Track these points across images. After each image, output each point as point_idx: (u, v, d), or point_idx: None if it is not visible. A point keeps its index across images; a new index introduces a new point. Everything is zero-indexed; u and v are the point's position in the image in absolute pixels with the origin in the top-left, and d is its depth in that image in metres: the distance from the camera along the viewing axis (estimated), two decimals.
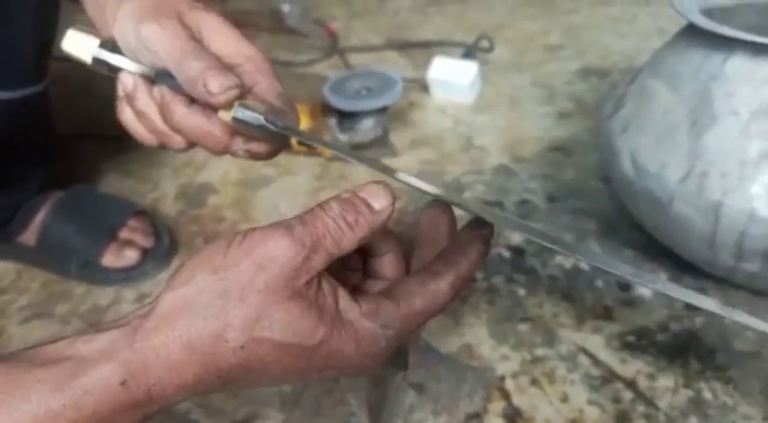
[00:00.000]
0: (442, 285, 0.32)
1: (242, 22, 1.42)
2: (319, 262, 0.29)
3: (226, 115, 0.38)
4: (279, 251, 0.28)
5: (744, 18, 0.64)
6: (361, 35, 1.32)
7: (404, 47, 1.25)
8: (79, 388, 0.26)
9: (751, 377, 0.54)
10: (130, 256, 0.69)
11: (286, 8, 1.33)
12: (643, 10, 1.33)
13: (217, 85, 0.36)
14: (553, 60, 1.15)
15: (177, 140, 0.42)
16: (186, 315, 0.28)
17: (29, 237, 0.71)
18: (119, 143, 0.94)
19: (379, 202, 0.31)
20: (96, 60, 0.44)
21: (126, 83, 0.42)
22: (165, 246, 0.72)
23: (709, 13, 0.59)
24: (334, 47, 1.24)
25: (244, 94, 0.37)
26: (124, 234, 0.71)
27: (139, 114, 0.42)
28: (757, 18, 0.65)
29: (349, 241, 0.30)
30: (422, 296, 0.31)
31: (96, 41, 0.43)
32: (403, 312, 0.31)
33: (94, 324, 0.64)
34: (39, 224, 0.70)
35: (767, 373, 0.54)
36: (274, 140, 0.40)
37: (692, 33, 0.57)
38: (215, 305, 0.28)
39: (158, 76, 0.41)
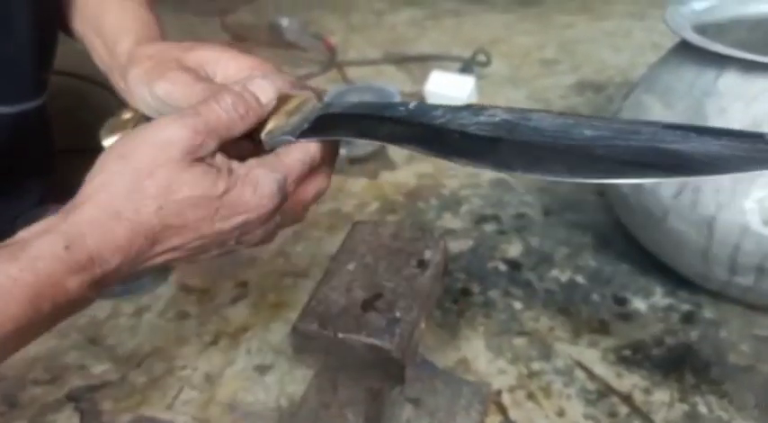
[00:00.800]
0: (311, 145, 0.36)
1: (241, 36, 1.44)
2: (213, 145, 0.34)
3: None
4: (176, 136, 0.33)
5: (735, 34, 0.65)
6: (359, 49, 1.34)
7: (401, 61, 1.26)
8: (30, 256, 0.30)
9: (746, 391, 0.54)
10: None
11: (285, 22, 1.34)
12: (638, 25, 1.34)
13: (265, 97, 0.39)
14: (549, 74, 1.17)
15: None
16: (106, 192, 0.32)
17: None
18: None
19: (266, 95, 0.36)
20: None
21: None
22: None
23: (701, 29, 0.60)
24: (332, 61, 1.25)
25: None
26: None
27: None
28: (748, 34, 0.66)
29: (239, 129, 0.35)
30: (297, 149, 0.36)
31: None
32: (282, 160, 0.36)
33: (93, 338, 0.65)
34: None
35: (762, 387, 0.55)
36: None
37: (685, 50, 0.58)
38: (129, 181, 0.32)
39: None
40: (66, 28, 0.59)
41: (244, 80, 0.37)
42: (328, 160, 0.38)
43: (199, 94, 0.39)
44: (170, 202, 0.32)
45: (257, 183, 0.34)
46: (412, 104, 0.35)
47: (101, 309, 0.68)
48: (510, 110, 0.32)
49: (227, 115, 0.34)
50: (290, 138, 0.37)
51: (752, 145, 0.26)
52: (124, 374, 0.60)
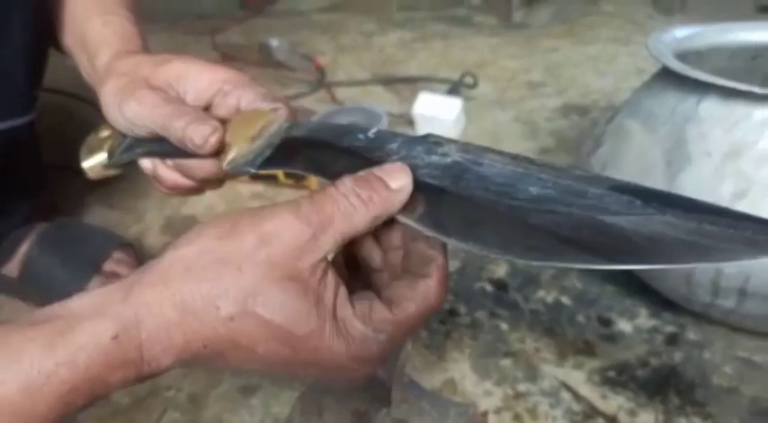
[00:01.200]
0: (431, 285, 0.31)
1: (230, 56, 1.44)
2: (327, 242, 0.28)
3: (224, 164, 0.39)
4: (284, 228, 0.28)
5: (716, 61, 0.67)
6: (347, 70, 1.35)
7: (390, 82, 1.27)
8: (71, 345, 0.26)
9: (729, 413, 0.55)
10: None
11: (274, 43, 1.35)
12: (622, 50, 1.37)
13: (199, 137, 0.37)
14: (535, 97, 1.18)
15: (213, 184, 0.45)
16: (183, 275, 0.27)
17: (12, 268, 0.70)
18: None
19: (397, 181, 0.29)
20: (109, 167, 0.48)
21: (147, 168, 0.45)
22: None
23: (683, 55, 0.62)
24: (321, 81, 1.26)
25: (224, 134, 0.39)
26: (109, 266, 0.71)
27: (174, 188, 0.45)
28: (728, 62, 0.67)
29: (361, 219, 0.29)
30: (415, 300, 0.30)
31: (104, 155, 0.47)
32: (395, 317, 0.30)
33: None
34: (22, 256, 0.70)
35: (745, 409, 0.55)
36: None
37: (667, 76, 0.59)
38: (212, 269, 0.27)
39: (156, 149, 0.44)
40: (57, 44, 0.59)
41: (373, 167, 0.31)
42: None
43: (164, 117, 0.39)
44: (245, 316, 0.27)
45: (354, 340, 0.29)
46: (372, 132, 0.34)
47: None
48: (465, 148, 0.31)
49: (347, 202, 0.29)
50: (249, 170, 0.37)
51: (697, 225, 0.25)
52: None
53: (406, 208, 0.30)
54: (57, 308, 0.28)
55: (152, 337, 0.27)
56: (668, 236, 0.24)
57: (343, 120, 0.90)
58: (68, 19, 0.56)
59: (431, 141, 0.32)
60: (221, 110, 0.41)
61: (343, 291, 0.30)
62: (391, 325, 0.30)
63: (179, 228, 0.84)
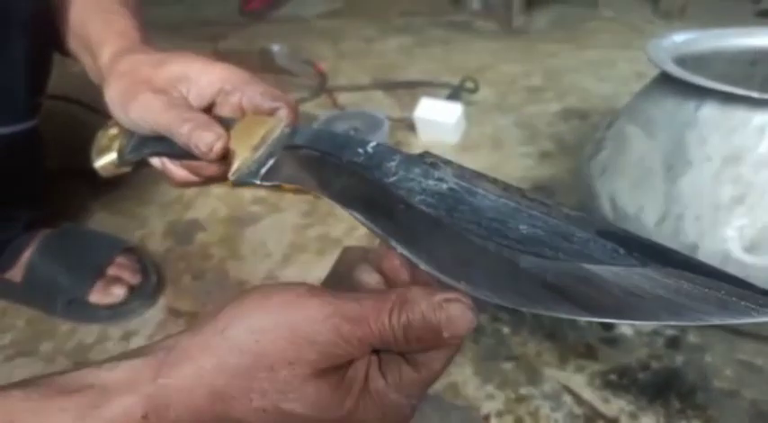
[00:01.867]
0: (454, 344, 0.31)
1: (231, 62, 1.45)
2: (358, 355, 0.28)
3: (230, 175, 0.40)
4: (321, 337, 0.27)
5: (715, 67, 0.67)
6: (348, 75, 1.36)
7: (390, 87, 1.28)
8: (101, 419, 0.26)
9: (730, 416, 0.55)
10: (117, 293, 0.69)
11: (276, 48, 1.36)
12: (621, 55, 1.38)
13: (203, 144, 0.38)
14: (535, 102, 1.19)
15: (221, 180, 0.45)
16: (214, 363, 0.27)
17: (15, 274, 0.71)
18: (106, 180, 0.95)
19: (452, 331, 0.28)
20: (120, 166, 0.48)
21: (156, 164, 0.45)
22: (153, 283, 0.72)
23: (682, 61, 0.62)
24: (322, 86, 1.27)
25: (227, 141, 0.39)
26: (112, 271, 0.71)
27: (183, 184, 0.45)
28: (727, 67, 0.68)
29: (397, 348, 0.29)
30: (440, 360, 0.30)
31: (114, 155, 0.47)
32: (424, 379, 0.30)
33: (80, 363, 0.64)
34: (26, 261, 0.70)
35: (746, 412, 0.55)
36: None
37: (666, 81, 0.60)
38: (245, 366, 0.27)
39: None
40: (63, 49, 0.59)
41: (440, 298, 0.28)
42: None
43: (169, 123, 0.39)
44: (277, 411, 0.27)
45: (389, 409, 0.29)
46: (371, 146, 0.34)
47: (88, 333, 0.68)
48: (460, 174, 0.32)
49: (394, 335, 0.28)
50: (254, 181, 0.37)
51: (675, 282, 0.25)
52: None
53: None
54: (88, 376, 0.27)
55: (181, 419, 0.27)
56: (647, 291, 0.25)
57: (345, 125, 0.91)
58: (71, 22, 0.56)
59: (428, 163, 0.33)
60: (224, 109, 0.42)
61: (374, 361, 0.30)
62: (420, 387, 0.30)
63: (181, 233, 0.84)
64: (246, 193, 0.92)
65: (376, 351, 0.30)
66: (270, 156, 0.38)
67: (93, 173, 1.01)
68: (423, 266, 0.30)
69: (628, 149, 0.60)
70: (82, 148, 0.88)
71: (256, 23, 1.74)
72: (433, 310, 0.28)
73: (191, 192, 0.93)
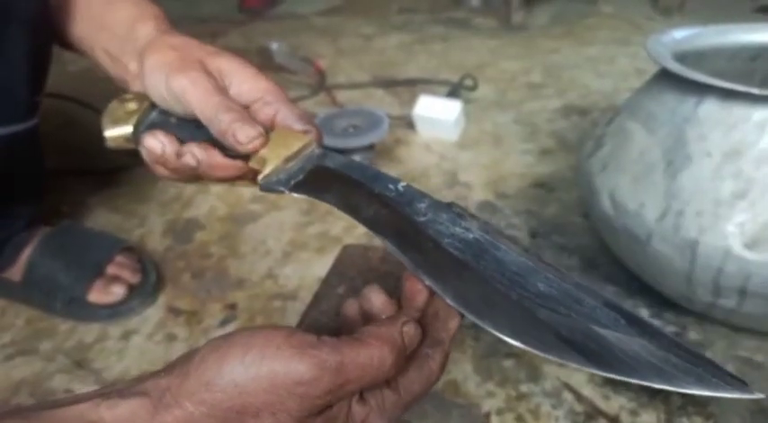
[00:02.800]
0: (434, 367, 0.33)
1: None
2: (341, 398, 0.30)
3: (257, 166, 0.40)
4: (302, 389, 0.28)
5: (715, 63, 0.67)
6: (347, 73, 1.35)
7: (390, 84, 1.28)
8: None
9: (731, 413, 0.55)
10: (117, 292, 0.69)
11: (274, 46, 1.36)
12: (621, 51, 1.37)
13: (244, 137, 0.39)
14: (535, 98, 1.19)
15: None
16: (204, 414, 0.28)
17: (15, 272, 0.70)
18: (105, 178, 0.95)
19: (412, 345, 0.32)
20: (131, 141, 0.47)
21: (153, 146, 0.44)
22: (152, 282, 0.72)
23: (682, 57, 0.62)
24: (321, 84, 1.27)
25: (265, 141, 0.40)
26: (111, 270, 0.71)
27: (174, 170, 0.45)
28: (727, 63, 0.68)
29: (381, 383, 0.31)
30: (420, 382, 0.33)
31: (129, 128, 0.46)
32: (405, 401, 0.32)
33: (79, 362, 0.64)
34: (25, 260, 0.70)
35: (747, 409, 0.55)
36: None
37: (666, 78, 0.60)
38: (232, 413, 0.29)
39: (187, 130, 0.44)
40: (64, 40, 0.59)
41: (402, 324, 0.32)
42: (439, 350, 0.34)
43: (214, 106, 0.40)
44: None
45: None
46: (401, 185, 0.36)
47: (88, 332, 0.68)
48: (484, 228, 0.35)
49: (375, 374, 0.30)
50: (282, 189, 0.38)
51: (665, 354, 0.30)
52: None
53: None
54: (88, 411, 0.29)
55: None
56: (643, 357, 0.30)
57: (344, 123, 0.91)
58: (81, 5, 0.56)
59: (455, 212, 0.36)
60: (258, 117, 0.42)
61: (355, 395, 0.31)
62: (402, 409, 0.33)
63: (180, 231, 0.84)
64: (246, 192, 0.92)
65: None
66: (300, 171, 0.39)
67: (91, 171, 1.01)
68: (450, 301, 0.32)
69: (628, 146, 0.60)
70: (79, 146, 0.88)
71: (255, 21, 1.74)
72: (400, 336, 0.31)
73: (189, 190, 0.93)
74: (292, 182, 0.38)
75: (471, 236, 0.34)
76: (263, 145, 0.40)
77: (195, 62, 0.43)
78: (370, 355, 0.30)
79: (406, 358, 0.33)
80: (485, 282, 0.32)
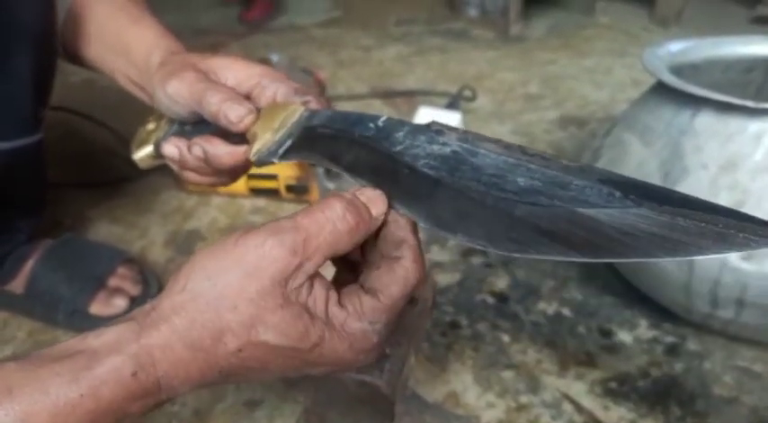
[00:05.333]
0: (407, 264, 0.33)
1: None
2: (312, 267, 0.30)
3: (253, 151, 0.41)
4: (269, 260, 0.29)
5: (710, 75, 0.68)
6: (347, 84, 1.36)
7: (389, 96, 1.29)
8: (94, 378, 0.28)
9: None
10: (119, 304, 0.69)
11: (275, 58, 1.36)
12: (618, 62, 1.38)
13: (234, 116, 0.41)
14: (533, 109, 1.19)
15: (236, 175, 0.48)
16: (184, 318, 0.29)
17: (17, 285, 0.71)
18: (106, 190, 0.96)
19: (377, 208, 0.32)
20: (156, 158, 0.51)
21: (170, 151, 0.48)
22: (154, 293, 0.72)
23: (678, 69, 0.63)
24: (322, 95, 1.28)
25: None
26: (113, 282, 0.71)
27: (196, 169, 0.47)
28: (722, 75, 0.68)
29: (345, 246, 0.31)
30: (396, 283, 0.32)
31: (151, 147, 0.51)
32: (384, 304, 0.32)
33: None
34: (27, 272, 0.70)
35: (745, 419, 0.56)
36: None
37: (662, 90, 0.60)
38: (210, 310, 0.29)
39: (190, 129, 0.47)
40: (75, 58, 0.61)
41: (354, 191, 0.33)
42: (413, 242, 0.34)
43: (200, 91, 0.42)
44: (252, 346, 0.29)
45: (355, 338, 0.31)
46: (381, 120, 0.36)
47: None
48: (463, 137, 0.34)
49: (333, 227, 0.31)
50: (272, 159, 0.39)
51: (670, 219, 0.25)
52: None
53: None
54: (76, 343, 0.29)
55: (169, 373, 0.29)
56: (641, 230, 0.26)
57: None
58: (94, 31, 0.58)
59: (433, 130, 0.35)
60: (260, 101, 0.44)
61: (333, 296, 0.32)
62: (383, 312, 0.32)
63: (182, 243, 0.85)
64: (246, 203, 0.92)
65: (336, 287, 0.32)
66: (288, 137, 0.40)
67: (92, 182, 1.02)
68: (422, 223, 0.32)
69: (625, 157, 0.60)
70: (80, 158, 0.88)
71: (255, 33, 1.75)
72: (355, 195, 0.32)
73: (191, 201, 0.93)
74: (281, 150, 0.39)
75: (449, 150, 0.33)
76: (255, 119, 0.41)
77: (186, 66, 0.45)
78: (321, 210, 0.31)
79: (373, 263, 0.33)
80: (458, 194, 0.31)
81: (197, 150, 0.45)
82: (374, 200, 0.32)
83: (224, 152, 0.44)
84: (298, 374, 0.32)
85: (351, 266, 0.37)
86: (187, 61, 0.47)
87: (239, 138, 0.43)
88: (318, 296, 0.31)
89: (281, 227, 0.30)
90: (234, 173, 0.48)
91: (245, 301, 0.29)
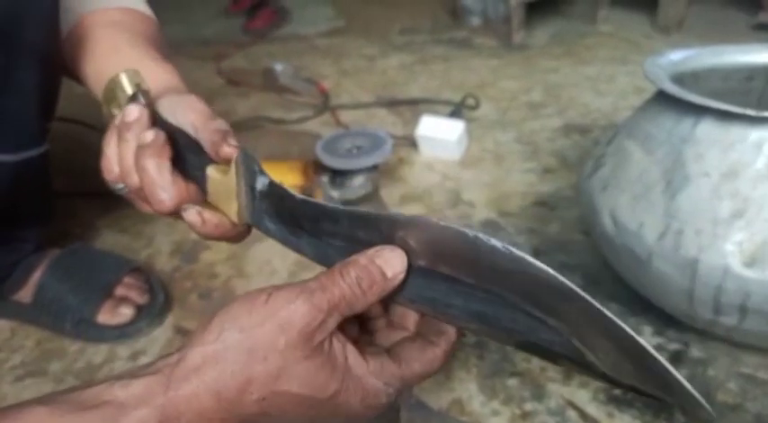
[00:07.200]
0: (438, 353, 0.35)
1: (235, 81, 1.46)
2: (333, 323, 0.33)
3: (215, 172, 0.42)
4: (298, 315, 0.31)
5: (711, 83, 0.69)
6: (351, 93, 1.37)
7: (392, 104, 1.30)
8: None
9: None
10: (125, 313, 0.70)
11: (278, 67, 1.38)
12: (620, 69, 1.39)
13: (235, 141, 0.42)
14: (536, 118, 1.20)
15: (134, 180, 0.46)
16: (215, 368, 0.31)
17: (25, 294, 0.71)
18: (112, 200, 0.96)
19: (393, 269, 0.33)
20: (135, 94, 0.48)
21: (131, 112, 0.46)
22: (160, 302, 0.73)
23: (679, 78, 0.63)
24: (325, 104, 1.29)
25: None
26: (120, 291, 0.72)
27: (122, 142, 0.46)
28: (724, 83, 0.69)
29: (361, 305, 0.33)
30: (420, 362, 0.35)
31: (145, 86, 0.49)
32: (403, 374, 0.35)
33: (89, 382, 0.65)
34: (35, 282, 0.71)
35: None
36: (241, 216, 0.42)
37: (663, 99, 0.61)
38: (240, 361, 0.31)
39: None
40: (76, 75, 0.61)
41: (373, 252, 0.34)
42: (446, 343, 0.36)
43: (210, 113, 0.45)
44: (275, 395, 0.31)
45: (368, 393, 0.34)
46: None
47: (96, 353, 0.69)
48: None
49: (350, 291, 0.33)
50: (259, 224, 0.40)
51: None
52: None
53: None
54: (103, 392, 0.30)
55: (191, 422, 0.31)
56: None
57: (348, 144, 0.92)
58: (95, 57, 0.58)
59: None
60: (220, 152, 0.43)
61: (351, 349, 0.34)
62: (399, 380, 0.35)
63: (187, 252, 0.85)
64: None
65: (354, 340, 0.35)
66: (253, 198, 0.40)
67: (98, 192, 1.03)
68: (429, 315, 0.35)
69: (627, 166, 0.61)
70: (86, 169, 0.89)
71: (259, 42, 1.76)
72: (371, 259, 0.33)
73: None
74: (264, 217, 0.40)
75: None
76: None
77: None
78: (341, 274, 0.33)
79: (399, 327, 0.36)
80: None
81: (152, 133, 0.44)
82: (390, 261, 0.33)
83: (164, 161, 0.44)
84: (308, 422, 0.34)
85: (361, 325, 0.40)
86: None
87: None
88: (338, 349, 0.33)
89: (309, 287, 0.32)
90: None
91: (275, 353, 0.31)
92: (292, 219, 0.38)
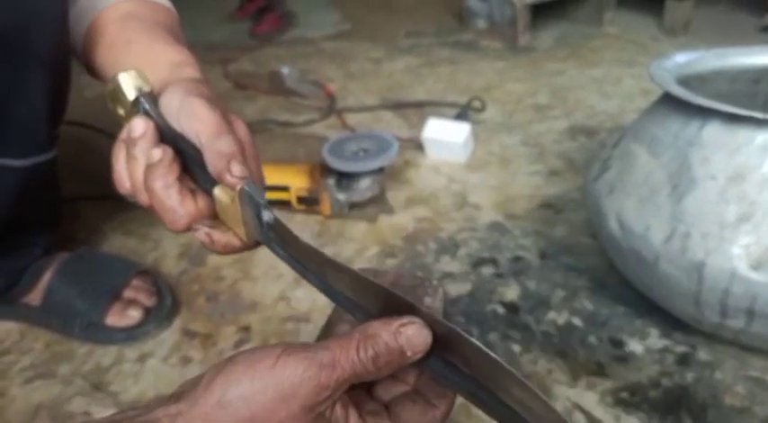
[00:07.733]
0: (437, 415, 0.34)
1: (242, 85, 1.47)
2: (338, 394, 0.32)
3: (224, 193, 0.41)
4: (303, 391, 0.30)
5: (717, 86, 0.69)
6: (357, 96, 1.38)
7: (398, 107, 1.30)
8: None
9: None
10: (133, 315, 0.70)
11: (285, 70, 1.38)
12: (626, 72, 1.39)
13: (239, 170, 0.39)
14: (542, 120, 1.20)
15: (145, 199, 0.45)
16: None
17: (34, 297, 0.72)
18: (120, 203, 0.97)
19: (414, 349, 0.31)
20: (137, 100, 0.47)
21: (137, 127, 0.44)
22: (168, 305, 0.73)
23: (685, 80, 0.63)
24: (331, 107, 1.29)
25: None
26: (128, 294, 0.72)
27: (131, 159, 0.45)
28: (729, 85, 0.69)
29: (370, 377, 0.32)
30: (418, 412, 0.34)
31: (148, 88, 0.47)
32: None
33: (97, 385, 0.65)
34: (44, 286, 0.72)
35: None
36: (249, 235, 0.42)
37: (669, 101, 0.61)
38: None
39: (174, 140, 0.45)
40: (97, 74, 0.60)
41: (397, 327, 0.32)
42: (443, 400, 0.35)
43: (218, 126, 0.42)
44: None
45: None
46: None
47: (105, 355, 0.69)
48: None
49: (364, 368, 0.32)
50: (268, 242, 0.39)
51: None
52: None
53: None
54: None
55: None
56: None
57: (354, 147, 0.92)
58: (122, 48, 0.56)
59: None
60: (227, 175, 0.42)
61: (352, 413, 0.33)
62: None
63: (194, 255, 0.86)
64: None
65: (356, 404, 0.34)
66: (258, 225, 0.40)
67: (105, 196, 1.03)
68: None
69: (633, 169, 0.61)
70: (94, 172, 0.90)
71: (265, 46, 1.77)
72: (395, 338, 0.31)
73: None
74: (271, 241, 0.39)
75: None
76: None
77: (209, 95, 0.45)
78: (357, 350, 0.31)
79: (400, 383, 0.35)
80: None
81: (158, 151, 0.43)
82: (413, 339, 0.31)
83: (172, 178, 0.43)
84: None
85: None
86: (205, 91, 0.45)
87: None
88: (340, 415, 0.32)
89: (321, 361, 0.31)
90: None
91: (275, 421, 0.31)
92: (298, 258, 0.37)
